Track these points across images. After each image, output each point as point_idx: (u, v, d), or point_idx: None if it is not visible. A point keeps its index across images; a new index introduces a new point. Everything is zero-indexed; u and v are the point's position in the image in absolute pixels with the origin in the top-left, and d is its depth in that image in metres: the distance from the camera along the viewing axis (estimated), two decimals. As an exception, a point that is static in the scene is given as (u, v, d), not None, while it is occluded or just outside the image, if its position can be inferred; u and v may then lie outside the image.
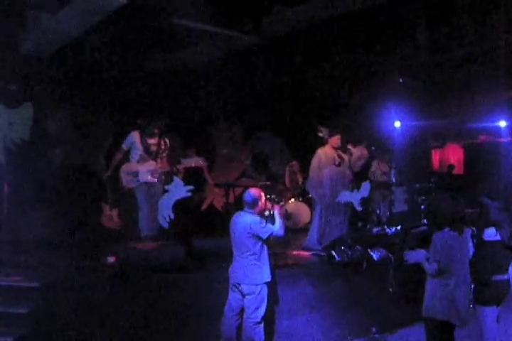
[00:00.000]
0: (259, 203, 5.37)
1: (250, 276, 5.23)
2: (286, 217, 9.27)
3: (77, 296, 5.30)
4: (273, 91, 10.51)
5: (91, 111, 9.30)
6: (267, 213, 5.63)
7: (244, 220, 5.29)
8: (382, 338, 6.40)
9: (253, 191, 5.48)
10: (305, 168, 8.92)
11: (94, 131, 9.47)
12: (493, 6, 7.38)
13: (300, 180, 10.40)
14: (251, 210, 5.35)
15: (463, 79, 9.75)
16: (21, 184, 8.27)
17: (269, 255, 5.38)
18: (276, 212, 5.50)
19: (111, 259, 6.52)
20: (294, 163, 10.74)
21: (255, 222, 5.23)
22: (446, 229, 4.80)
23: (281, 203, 9.61)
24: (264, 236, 5.23)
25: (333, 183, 7.96)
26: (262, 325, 5.30)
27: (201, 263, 6.50)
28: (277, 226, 5.35)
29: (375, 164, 10.24)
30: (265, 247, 5.31)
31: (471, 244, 4.92)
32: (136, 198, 7.35)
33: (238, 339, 5.35)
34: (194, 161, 7.96)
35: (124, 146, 7.36)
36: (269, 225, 5.31)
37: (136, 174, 7.25)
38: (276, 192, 10.08)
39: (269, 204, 5.63)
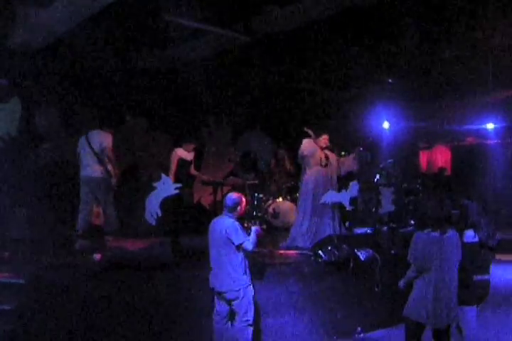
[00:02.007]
0: (239, 207, 5.40)
1: (229, 283, 5.24)
2: (274, 216, 9.30)
3: (62, 293, 5.27)
4: (263, 91, 10.51)
5: (79, 108, 9.25)
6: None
7: (222, 224, 5.30)
8: (367, 337, 6.44)
9: (234, 195, 5.50)
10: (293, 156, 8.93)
11: (82, 127, 9.40)
12: (482, 8, 7.42)
13: (288, 165, 10.40)
14: (230, 214, 5.37)
15: (451, 81, 9.80)
16: (8, 180, 8.21)
17: (246, 258, 5.36)
18: (253, 230, 5.44)
19: (97, 256, 6.49)
20: (281, 150, 10.83)
21: (232, 226, 5.24)
22: (427, 230, 4.85)
23: (269, 202, 9.71)
24: (236, 242, 5.22)
25: (317, 184, 7.98)
26: (253, 326, 5.34)
27: (188, 261, 6.48)
28: (250, 240, 5.30)
29: None
30: (241, 252, 5.30)
31: (459, 246, 4.94)
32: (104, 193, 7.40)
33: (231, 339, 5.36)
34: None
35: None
36: (244, 234, 5.30)
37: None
38: (265, 191, 10.12)
39: (249, 224, 5.60)
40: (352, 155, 8.32)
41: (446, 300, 4.76)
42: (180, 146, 8.26)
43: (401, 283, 5.03)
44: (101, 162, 7.31)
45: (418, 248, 4.85)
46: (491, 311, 5.71)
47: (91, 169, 7.34)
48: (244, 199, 5.51)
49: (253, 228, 5.46)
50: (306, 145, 8.03)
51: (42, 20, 7.11)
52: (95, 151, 7.30)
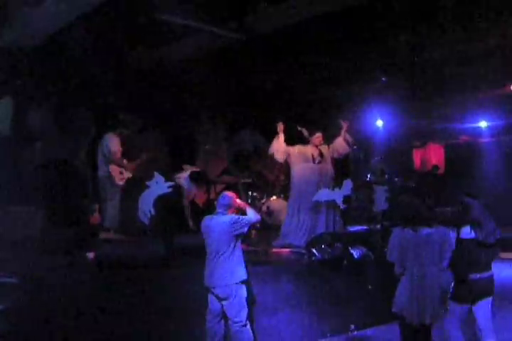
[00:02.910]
0: (233, 206, 5.48)
1: (222, 278, 5.24)
2: (268, 214, 9.32)
3: (56, 292, 5.26)
4: (256, 89, 10.50)
5: (72, 106, 9.22)
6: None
7: (222, 221, 5.33)
8: (360, 335, 6.45)
9: (229, 194, 5.58)
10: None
11: (75, 126, 9.38)
12: (475, 7, 7.43)
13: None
14: (225, 212, 5.41)
15: (445, 79, 9.82)
16: (1, 179, 8.18)
17: (243, 254, 5.41)
18: (242, 205, 5.60)
19: (90, 255, 6.49)
20: None
21: (234, 220, 5.30)
22: (400, 227, 4.95)
23: (263, 200, 9.73)
24: (246, 230, 5.33)
25: (307, 181, 7.99)
26: (248, 325, 5.32)
27: (181, 260, 6.49)
28: (251, 214, 5.48)
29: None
30: (239, 246, 5.35)
31: (450, 243, 4.96)
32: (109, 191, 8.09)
33: (223, 339, 5.36)
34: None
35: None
36: (245, 217, 5.40)
37: (121, 172, 8.22)
38: (258, 189, 10.13)
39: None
40: (340, 138, 8.29)
41: (428, 298, 4.80)
42: (182, 169, 8.49)
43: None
44: (108, 163, 8.20)
45: (394, 245, 4.95)
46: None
47: (100, 169, 8.32)
48: (235, 196, 5.57)
49: (238, 202, 5.59)
50: (273, 145, 8.14)
51: (33, 19, 7.06)
52: (104, 153, 8.24)
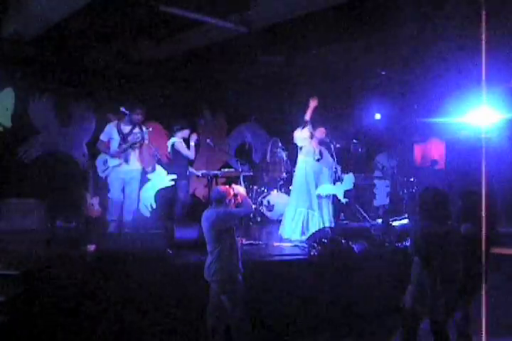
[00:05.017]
0: (226, 200, 5.42)
1: (217, 272, 5.23)
2: (269, 208, 9.30)
3: (57, 285, 5.26)
4: (259, 82, 10.47)
5: (74, 98, 9.21)
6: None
7: (210, 215, 5.33)
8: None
9: (220, 189, 5.54)
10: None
11: (77, 118, 9.38)
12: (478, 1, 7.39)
13: (283, 155, 10.37)
14: (216, 207, 5.39)
15: (445, 73, 9.79)
16: (1, 171, 8.19)
17: (238, 248, 5.39)
18: (237, 192, 5.52)
19: (91, 248, 6.48)
20: (275, 138, 10.83)
21: (217, 214, 5.28)
22: (429, 222, 4.92)
23: (264, 194, 9.72)
24: (233, 223, 5.30)
25: (306, 175, 7.99)
26: (247, 319, 5.33)
27: (182, 253, 6.48)
28: (245, 204, 5.45)
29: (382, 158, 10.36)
30: (233, 240, 5.32)
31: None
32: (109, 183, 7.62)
33: (224, 333, 5.37)
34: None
35: (103, 138, 7.56)
36: (232, 210, 5.36)
37: (105, 161, 7.59)
38: (260, 183, 10.12)
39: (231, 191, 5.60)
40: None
41: (445, 293, 4.80)
42: (173, 136, 8.37)
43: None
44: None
45: (412, 239, 4.93)
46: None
47: None
48: (231, 191, 5.54)
49: (234, 190, 5.52)
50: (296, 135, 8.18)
51: (36, 9, 7.02)
52: None
